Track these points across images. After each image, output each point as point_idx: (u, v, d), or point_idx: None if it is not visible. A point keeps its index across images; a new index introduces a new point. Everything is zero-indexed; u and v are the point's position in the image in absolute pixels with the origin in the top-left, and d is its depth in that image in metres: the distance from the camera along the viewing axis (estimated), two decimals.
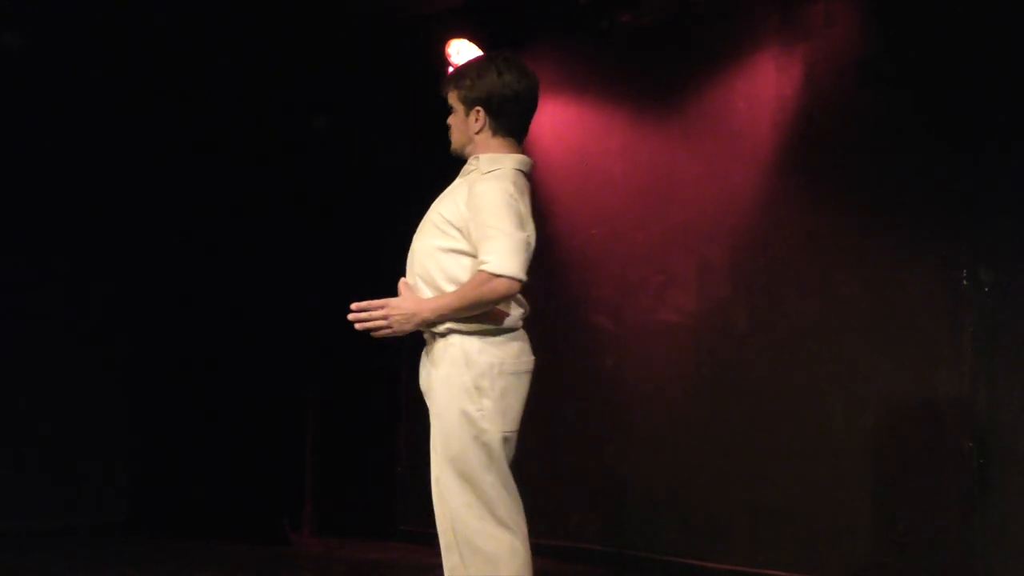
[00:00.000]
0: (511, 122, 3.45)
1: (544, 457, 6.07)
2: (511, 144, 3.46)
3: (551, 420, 6.06)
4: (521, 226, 3.26)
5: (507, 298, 3.25)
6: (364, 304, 3.30)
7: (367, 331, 3.31)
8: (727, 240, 5.48)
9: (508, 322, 3.33)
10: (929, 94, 4.89)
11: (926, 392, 4.82)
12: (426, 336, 3.38)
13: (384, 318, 3.27)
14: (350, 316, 3.31)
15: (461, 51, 6.17)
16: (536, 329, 6.09)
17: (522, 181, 3.42)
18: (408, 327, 3.29)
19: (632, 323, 5.82)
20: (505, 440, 3.30)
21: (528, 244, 3.27)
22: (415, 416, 6.53)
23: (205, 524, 6.72)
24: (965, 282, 4.74)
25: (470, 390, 3.26)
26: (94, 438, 6.88)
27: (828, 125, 5.18)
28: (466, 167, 3.48)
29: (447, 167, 6.37)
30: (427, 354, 3.39)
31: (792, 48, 5.31)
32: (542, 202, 6.16)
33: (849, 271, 5.09)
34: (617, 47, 5.92)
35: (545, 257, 6.17)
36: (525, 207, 3.35)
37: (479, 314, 3.26)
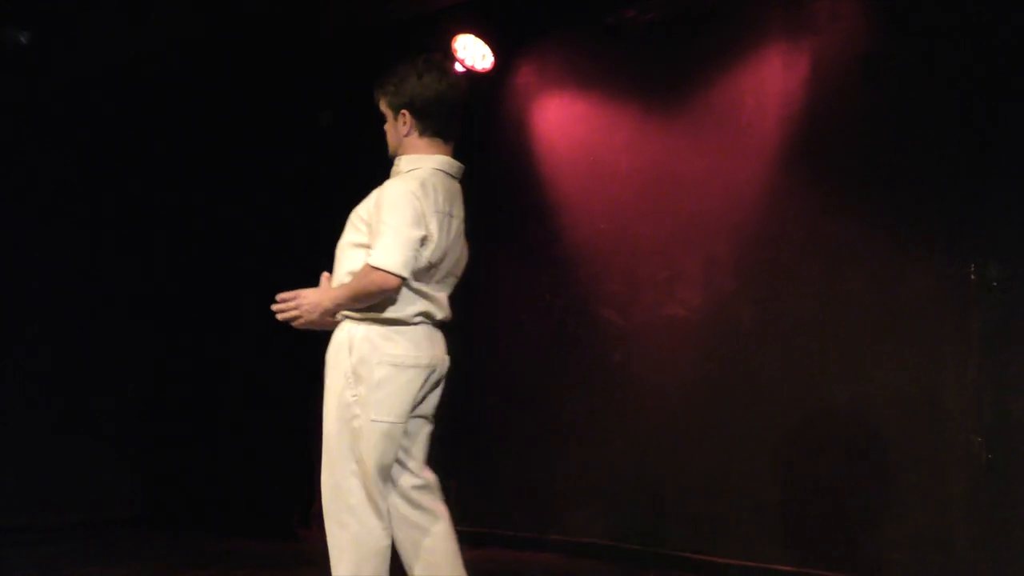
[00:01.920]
0: (437, 123, 3.55)
1: (551, 452, 6.14)
2: (438, 144, 3.58)
3: (559, 415, 6.12)
4: (415, 224, 3.34)
5: (386, 291, 3.32)
6: (283, 295, 3.46)
7: (287, 321, 3.46)
8: (733, 235, 5.48)
9: (400, 315, 3.41)
10: (935, 89, 4.88)
11: (934, 388, 4.81)
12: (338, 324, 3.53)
13: (296, 308, 3.43)
14: (273, 307, 3.47)
15: (468, 47, 6.18)
16: (544, 323, 6.19)
17: (440, 180, 3.51)
18: (315, 316, 3.42)
19: (639, 318, 5.82)
20: (381, 431, 3.37)
21: (417, 242, 3.34)
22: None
23: (217, 520, 6.76)
24: (973, 277, 4.72)
25: (348, 375, 3.38)
26: (109, 435, 6.92)
27: (834, 120, 5.17)
28: (392, 169, 3.59)
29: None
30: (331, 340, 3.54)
31: (798, 43, 5.30)
32: (548, 196, 6.21)
33: (855, 267, 5.07)
34: (623, 42, 5.92)
35: (552, 252, 6.25)
36: (431, 205, 3.41)
37: (371, 305, 3.37)
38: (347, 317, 3.41)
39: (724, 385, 5.47)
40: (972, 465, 4.68)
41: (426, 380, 3.49)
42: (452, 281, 3.63)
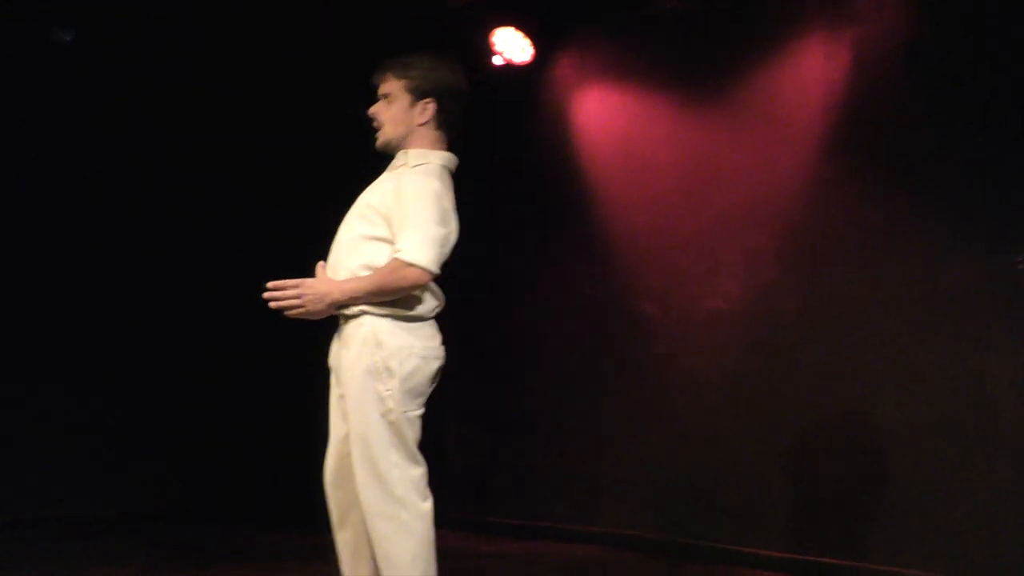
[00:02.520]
0: (451, 118, 3.52)
1: (592, 445, 6.14)
2: (444, 140, 3.55)
3: (599, 408, 6.12)
4: (442, 222, 3.34)
5: (416, 287, 3.34)
6: (279, 283, 3.38)
7: (281, 310, 3.38)
8: (774, 226, 5.44)
9: (420, 310, 3.41)
10: (978, 77, 4.82)
11: (980, 379, 4.74)
12: (340, 318, 3.45)
13: (297, 297, 3.36)
14: (265, 295, 3.38)
15: (507, 39, 6.18)
16: (584, 316, 6.19)
17: (448, 178, 3.49)
18: (320, 307, 3.37)
19: (679, 310, 5.80)
20: (409, 420, 3.38)
21: (446, 240, 3.36)
22: (459, 404, 6.64)
23: (249, 512, 6.82)
24: (1021, 266, 4.66)
25: (379, 370, 3.34)
26: (144, 429, 7.02)
27: (876, 110, 5.12)
28: (395, 161, 3.54)
29: (492, 156, 6.38)
30: (339, 334, 3.47)
31: (840, 32, 5.26)
32: (587, 189, 6.21)
33: (899, 256, 5.03)
34: (662, 33, 5.90)
35: (591, 244, 6.25)
36: (449, 203, 3.42)
37: (393, 300, 3.35)
38: (366, 312, 3.36)
39: (766, 377, 5.43)
40: (1022, 456, 4.61)
41: (438, 370, 3.51)
42: None
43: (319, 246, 3.58)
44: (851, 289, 5.17)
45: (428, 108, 3.49)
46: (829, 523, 5.18)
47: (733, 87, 5.64)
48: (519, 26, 6.16)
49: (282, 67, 6.78)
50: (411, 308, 3.39)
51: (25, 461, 6.37)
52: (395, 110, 3.50)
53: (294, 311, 3.38)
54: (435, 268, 3.31)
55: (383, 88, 3.51)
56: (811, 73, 5.34)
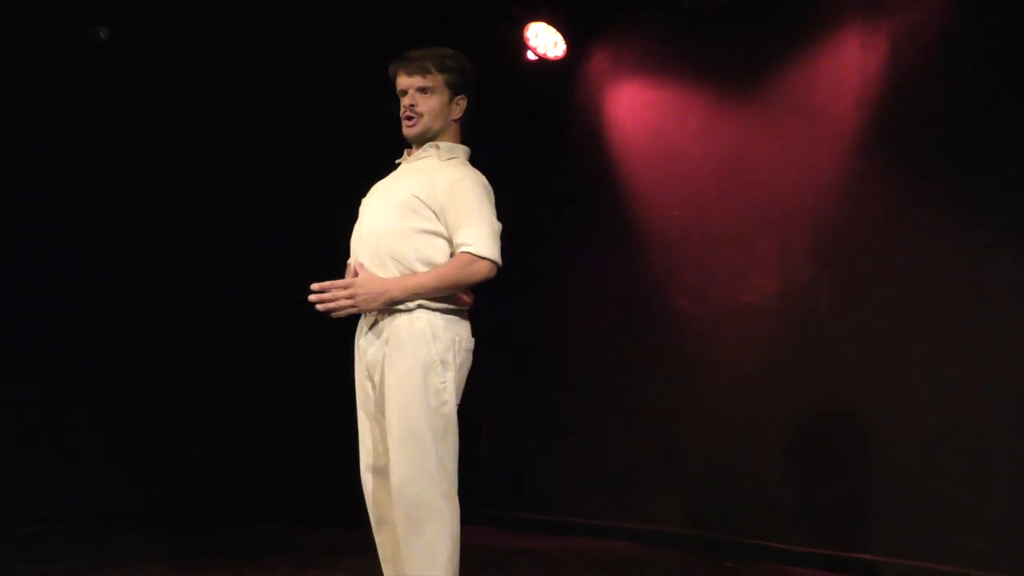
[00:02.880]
0: (470, 115, 3.60)
1: (626, 440, 6.12)
2: (462, 135, 3.62)
3: (633, 404, 6.11)
4: (494, 216, 3.42)
5: (486, 280, 3.38)
6: (326, 284, 3.38)
7: (327, 312, 3.38)
8: (810, 221, 5.40)
9: (465, 302, 3.46)
10: (1019, 69, 4.75)
11: (1019, 376, 4.67)
12: (379, 314, 3.42)
13: (350, 297, 3.36)
14: (311, 298, 3.38)
15: (540, 34, 6.17)
16: (617, 312, 6.17)
17: None
18: (375, 305, 3.37)
19: (714, 305, 5.78)
20: (456, 412, 3.43)
21: (499, 232, 3.43)
22: (493, 399, 6.63)
23: (283, 509, 6.86)
24: None
25: (435, 363, 3.36)
26: (182, 429, 7.05)
27: (914, 102, 5.06)
28: (419, 152, 3.55)
29: (525, 151, 6.37)
30: (377, 331, 3.43)
31: (877, 23, 5.20)
32: (620, 184, 6.19)
33: (939, 252, 4.97)
34: (696, 27, 5.86)
35: (625, 239, 6.23)
36: None
37: (447, 295, 3.38)
38: (423, 307, 3.37)
39: (802, 373, 5.40)
40: None
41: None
42: None
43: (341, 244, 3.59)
44: (889, 285, 5.12)
45: (461, 104, 3.55)
46: (864, 519, 5.13)
47: (767, 80, 5.60)
48: (552, 21, 6.15)
49: (313, 63, 6.77)
50: (459, 301, 3.44)
51: (57, 458, 6.42)
52: (434, 103, 3.52)
53: (344, 311, 3.38)
54: (501, 261, 3.38)
55: (423, 81, 3.52)
56: (847, 65, 5.29)
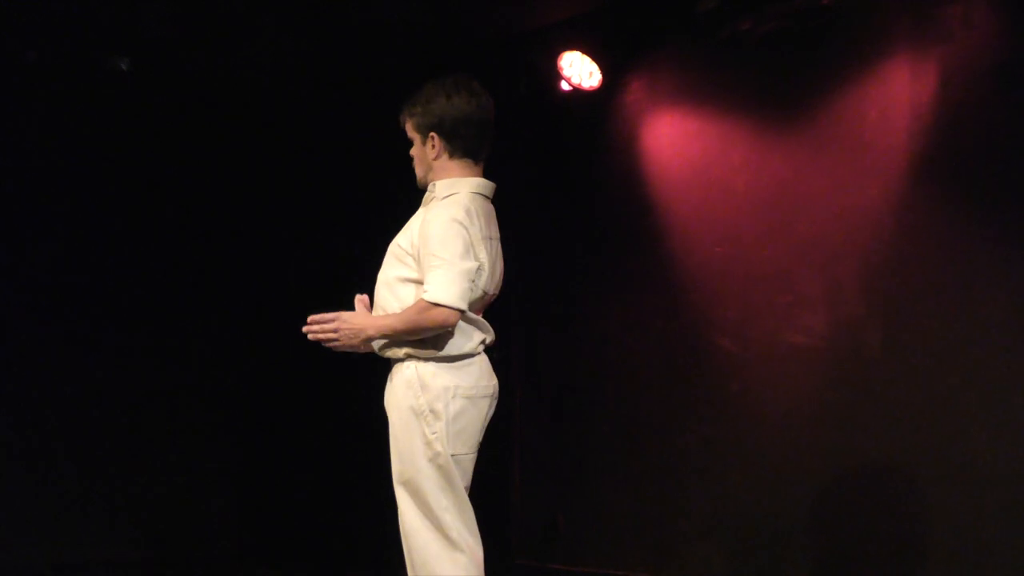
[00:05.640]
0: (467, 144, 3.53)
1: (666, 487, 6.00)
2: (469, 166, 3.55)
3: (672, 448, 5.99)
4: (465, 255, 3.36)
5: (447, 326, 3.36)
6: (318, 316, 3.46)
7: (318, 343, 3.48)
8: (858, 257, 5.28)
9: (466, 348, 3.45)
10: None
11: None
12: (392, 360, 3.52)
13: (335, 331, 3.43)
14: (304, 328, 3.47)
15: (574, 63, 6.11)
16: (656, 352, 6.05)
17: (479, 203, 3.51)
18: (356, 342, 3.45)
19: (758, 345, 5.66)
20: (458, 462, 3.43)
21: (469, 272, 3.37)
22: (525, 444, 6.53)
23: (312, 552, 6.86)
24: None
25: (425, 413, 3.39)
26: (205, 473, 7.02)
27: (967, 133, 4.96)
28: (426, 196, 3.57)
29: (559, 185, 6.28)
30: (388, 378, 3.53)
31: (927, 52, 5.10)
32: (659, 218, 6.11)
33: (994, 289, 4.84)
34: (738, 56, 5.76)
35: (664, 276, 6.12)
36: (477, 232, 3.44)
37: (435, 340, 3.40)
38: (411, 356, 3.42)
39: (850, 416, 5.26)
40: None
41: (491, 407, 3.55)
42: (490, 301, 3.63)
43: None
44: (943, 324, 4.99)
45: (434, 141, 3.51)
46: (915, 571, 5.00)
47: (813, 110, 5.49)
48: (587, 50, 6.07)
49: (345, 97, 6.77)
50: (456, 347, 3.43)
51: (87, 504, 6.42)
52: (416, 151, 3.60)
53: (331, 344, 3.46)
54: (462, 305, 3.33)
55: (407, 132, 3.60)
56: (896, 95, 5.18)
